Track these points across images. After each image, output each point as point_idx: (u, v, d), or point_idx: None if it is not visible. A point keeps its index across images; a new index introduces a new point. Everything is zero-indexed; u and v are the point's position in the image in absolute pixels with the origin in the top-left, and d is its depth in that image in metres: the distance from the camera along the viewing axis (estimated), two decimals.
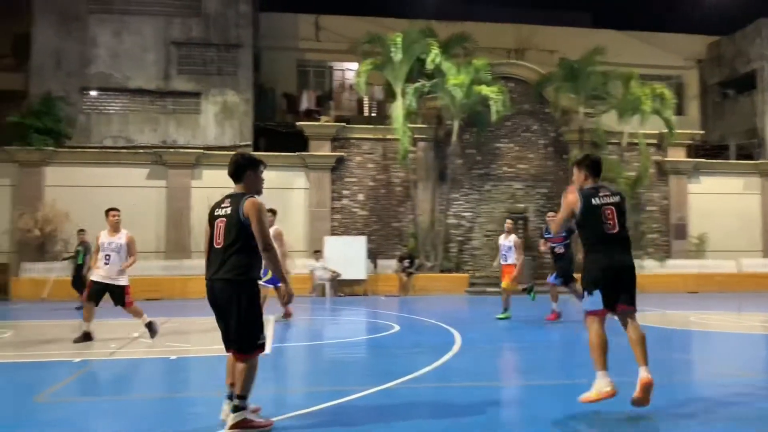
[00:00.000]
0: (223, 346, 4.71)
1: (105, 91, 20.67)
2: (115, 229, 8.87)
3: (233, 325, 4.52)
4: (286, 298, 5.43)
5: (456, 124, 20.13)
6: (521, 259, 11.82)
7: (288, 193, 20.42)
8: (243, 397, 4.49)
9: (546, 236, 11.46)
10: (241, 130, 21.09)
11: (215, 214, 4.76)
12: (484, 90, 19.34)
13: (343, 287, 18.83)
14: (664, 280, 19.93)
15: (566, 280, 11.09)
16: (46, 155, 19.20)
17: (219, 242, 4.62)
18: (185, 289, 18.38)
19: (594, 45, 21.30)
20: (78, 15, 20.52)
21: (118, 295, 8.77)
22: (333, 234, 20.23)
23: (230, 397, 4.61)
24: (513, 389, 6.20)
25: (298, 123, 21.10)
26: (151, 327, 8.78)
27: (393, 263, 19.95)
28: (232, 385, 4.59)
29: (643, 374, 4.71)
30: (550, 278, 11.44)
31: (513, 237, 12.04)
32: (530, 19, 25.74)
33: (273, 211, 10.15)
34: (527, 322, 11.32)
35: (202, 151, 20.10)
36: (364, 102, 23.53)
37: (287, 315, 11.31)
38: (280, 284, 9.71)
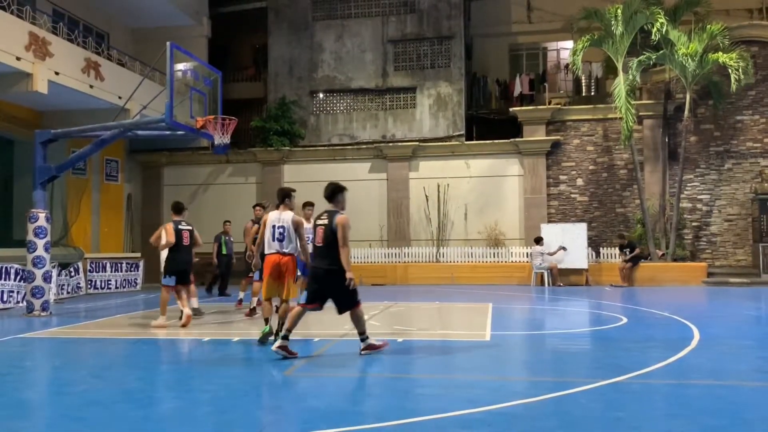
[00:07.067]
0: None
1: (331, 93, 22.35)
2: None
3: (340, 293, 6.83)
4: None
5: (688, 98, 18.24)
6: (304, 245, 8.00)
7: (501, 181, 20.29)
8: (363, 332, 6.98)
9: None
10: (454, 121, 21.39)
11: (316, 223, 7.00)
12: (721, 57, 17.28)
13: (562, 277, 18.20)
14: None
15: None
16: (283, 154, 21.38)
17: (319, 242, 6.86)
18: (406, 274, 19.26)
19: None
20: (305, 24, 22.44)
21: None
22: (550, 221, 19.65)
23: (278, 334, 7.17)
24: (762, 390, 5.45)
25: (511, 109, 20.82)
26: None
27: (617, 252, 18.78)
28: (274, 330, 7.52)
29: None
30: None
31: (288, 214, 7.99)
32: None
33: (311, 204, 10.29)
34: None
35: (417, 143, 20.84)
36: (582, 81, 22.42)
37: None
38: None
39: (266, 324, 7.72)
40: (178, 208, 9.79)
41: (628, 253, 17.99)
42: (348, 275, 6.69)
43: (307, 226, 11.58)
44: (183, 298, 9.65)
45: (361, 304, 7.01)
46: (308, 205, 11.49)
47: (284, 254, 7.76)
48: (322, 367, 6.70)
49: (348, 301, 6.90)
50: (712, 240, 19.22)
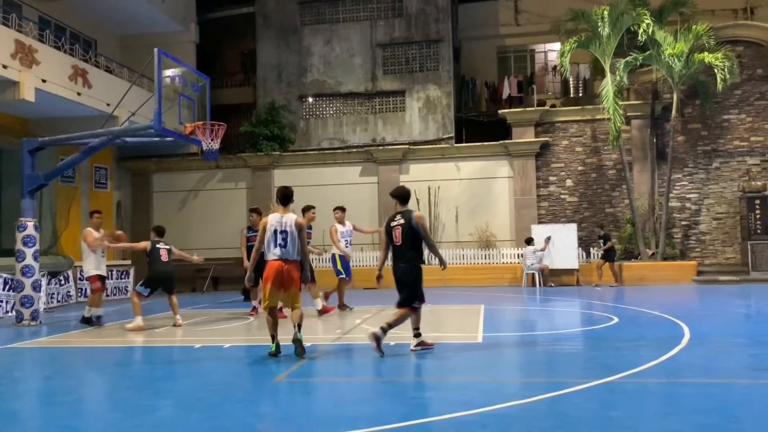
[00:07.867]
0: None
1: (320, 97, 22.34)
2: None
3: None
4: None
5: (675, 98, 18.38)
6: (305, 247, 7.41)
7: (492, 183, 20.34)
8: (417, 328, 7.43)
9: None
10: (444, 123, 21.44)
11: (392, 224, 7.33)
12: (707, 57, 17.42)
13: (553, 277, 18.25)
14: None
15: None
16: (273, 159, 21.34)
17: (397, 242, 7.28)
18: None
19: None
20: (294, 28, 22.43)
21: None
22: (540, 222, 19.71)
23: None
24: (753, 388, 5.49)
25: (499, 111, 20.90)
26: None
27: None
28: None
29: None
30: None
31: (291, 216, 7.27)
32: None
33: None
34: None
35: (407, 146, 20.86)
36: (570, 83, 22.54)
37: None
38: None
39: (273, 341, 7.16)
40: (159, 231, 10.86)
41: (602, 244, 18.02)
42: (444, 262, 7.70)
43: (343, 229, 11.96)
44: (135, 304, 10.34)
45: (413, 310, 7.36)
46: (339, 209, 11.91)
47: (288, 261, 7.05)
48: (315, 372, 6.68)
49: (402, 299, 7.36)
50: (701, 238, 19.35)
